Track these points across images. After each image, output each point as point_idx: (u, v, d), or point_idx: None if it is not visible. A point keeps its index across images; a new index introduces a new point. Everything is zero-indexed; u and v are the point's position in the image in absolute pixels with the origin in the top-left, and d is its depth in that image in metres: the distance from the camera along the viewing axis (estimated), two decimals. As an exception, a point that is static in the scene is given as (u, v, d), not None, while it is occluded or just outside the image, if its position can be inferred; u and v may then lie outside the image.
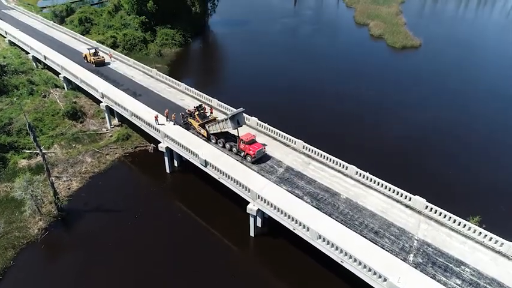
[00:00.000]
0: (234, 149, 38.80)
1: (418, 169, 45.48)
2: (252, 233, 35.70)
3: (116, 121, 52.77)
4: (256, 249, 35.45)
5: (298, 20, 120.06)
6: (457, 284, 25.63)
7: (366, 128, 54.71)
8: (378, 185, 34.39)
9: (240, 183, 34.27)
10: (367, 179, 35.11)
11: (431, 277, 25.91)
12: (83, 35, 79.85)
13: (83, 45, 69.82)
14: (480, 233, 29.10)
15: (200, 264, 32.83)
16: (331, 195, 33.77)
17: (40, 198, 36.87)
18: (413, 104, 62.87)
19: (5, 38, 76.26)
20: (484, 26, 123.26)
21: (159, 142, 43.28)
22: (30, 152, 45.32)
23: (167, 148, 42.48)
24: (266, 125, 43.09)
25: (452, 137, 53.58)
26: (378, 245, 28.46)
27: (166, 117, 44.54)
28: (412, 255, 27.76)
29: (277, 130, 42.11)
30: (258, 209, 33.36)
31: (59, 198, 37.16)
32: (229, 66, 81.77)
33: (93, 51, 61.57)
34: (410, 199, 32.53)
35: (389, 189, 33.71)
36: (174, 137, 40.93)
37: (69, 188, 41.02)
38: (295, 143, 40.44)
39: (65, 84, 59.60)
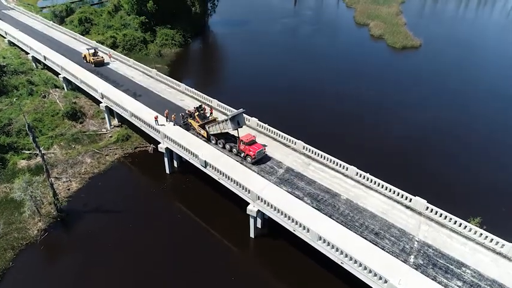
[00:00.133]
0: (234, 149, 38.71)
1: (418, 169, 45.41)
2: (252, 234, 35.62)
3: (115, 122, 52.68)
4: (256, 251, 35.35)
5: (298, 20, 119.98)
6: (458, 285, 25.54)
7: (366, 128, 54.64)
8: (378, 186, 34.30)
9: (240, 184, 34.18)
10: (367, 180, 35.03)
11: (432, 279, 25.82)
12: (82, 35, 79.75)
13: (82, 45, 69.72)
14: (481, 234, 29.00)
15: (200, 265, 32.74)
16: (332, 196, 33.68)
17: (39, 199, 36.80)
18: (413, 104, 62.79)
19: (5, 38, 76.16)
20: (484, 26, 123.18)
21: (159, 143, 43.19)
22: (29, 153, 45.23)
23: (167, 149, 42.39)
24: (266, 125, 42.99)
25: (453, 137, 53.52)
26: (378, 246, 28.38)
27: (166, 118, 44.45)
28: (412, 256, 27.67)
29: (277, 131, 42.02)
30: (258, 210, 33.26)
31: (58, 199, 37.06)
32: (229, 67, 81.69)
33: (92, 51, 61.50)
34: (410, 200, 32.44)
35: (390, 190, 33.61)
36: (174, 137, 40.83)
37: (68, 189, 40.93)
38: (295, 144, 40.34)
39: (64, 85, 59.51)
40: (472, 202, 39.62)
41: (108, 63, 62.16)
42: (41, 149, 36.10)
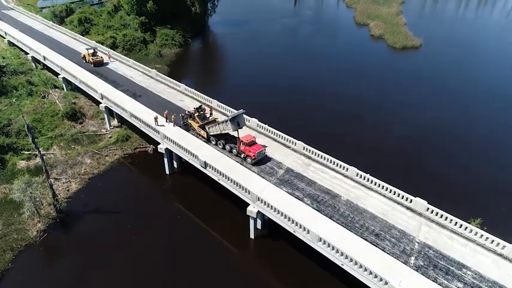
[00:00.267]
0: (234, 150, 38.61)
1: (419, 170, 45.33)
2: (252, 235, 35.52)
3: (115, 122, 52.58)
4: (256, 251, 35.26)
5: (298, 20, 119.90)
6: (458, 287, 25.45)
7: (366, 128, 54.57)
8: (379, 186, 34.21)
9: (240, 185, 34.08)
10: (367, 181, 34.93)
11: (432, 280, 25.73)
12: (82, 35, 79.68)
13: (82, 45, 69.60)
14: (482, 235, 28.91)
15: (200, 265, 32.66)
16: (332, 197, 33.59)
17: (39, 200, 36.69)
18: (413, 104, 62.72)
19: (5, 38, 76.05)
20: (484, 26, 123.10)
21: (159, 143, 43.09)
22: (29, 153, 45.14)
23: (167, 149, 42.30)
24: (266, 126, 42.89)
25: (453, 137, 53.45)
26: (378, 247, 28.28)
27: (166, 118, 44.36)
28: (413, 258, 27.58)
29: (277, 131, 41.92)
30: (258, 211, 33.16)
31: (57, 200, 36.97)
32: (229, 67, 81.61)
33: (91, 51, 61.45)
34: (411, 201, 32.33)
35: (390, 191, 33.51)
36: (173, 138, 40.74)
37: (68, 190, 40.83)
38: (295, 144, 40.25)
39: (64, 85, 59.43)
40: (472, 203, 39.55)
41: (107, 63, 62.07)
42: (40, 149, 36.03)
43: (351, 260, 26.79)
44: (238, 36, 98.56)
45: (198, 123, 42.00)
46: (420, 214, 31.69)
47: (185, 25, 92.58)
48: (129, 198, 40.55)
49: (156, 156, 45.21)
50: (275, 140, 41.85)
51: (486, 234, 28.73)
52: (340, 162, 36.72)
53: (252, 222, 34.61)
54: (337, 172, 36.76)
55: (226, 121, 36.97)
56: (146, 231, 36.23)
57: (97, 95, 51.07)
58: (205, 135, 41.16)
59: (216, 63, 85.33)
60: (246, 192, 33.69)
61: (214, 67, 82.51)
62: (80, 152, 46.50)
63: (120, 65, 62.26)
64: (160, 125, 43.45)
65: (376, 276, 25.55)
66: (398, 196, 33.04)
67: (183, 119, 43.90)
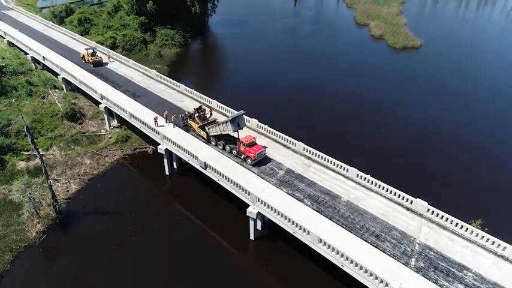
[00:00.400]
0: (234, 151, 38.51)
1: (419, 170, 45.23)
2: (252, 236, 35.43)
3: (115, 122, 52.47)
4: (256, 253, 35.18)
5: (298, 20, 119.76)
6: (459, 288, 25.38)
7: (366, 128, 54.47)
8: (379, 187, 34.11)
9: (239, 186, 33.99)
10: (368, 182, 34.83)
11: (433, 282, 25.62)
12: (82, 35, 79.56)
13: (82, 46, 69.45)
14: (482, 236, 28.80)
15: (200, 266, 32.56)
16: (332, 198, 33.49)
17: (38, 200, 36.64)
18: (413, 104, 62.61)
19: (4, 38, 75.92)
20: (484, 26, 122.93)
21: (159, 144, 42.99)
22: (28, 154, 45.03)
23: (166, 150, 42.19)
24: (266, 126, 42.78)
25: (453, 137, 53.35)
26: (379, 249, 28.18)
27: (166, 119, 44.25)
28: (413, 259, 27.48)
29: (277, 132, 41.81)
30: (258, 212, 33.07)
31: (57, 200, 36.86)
32: (229, 67, 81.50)
33: (91, 51, 61.36)
34: (411, 202, 32.23)
35: (391, 191, 33.41)
36: (173, 138, 40.64)
37: (67, 191, 40.73)
38: (295, 145, 40.14)
39: (63, 85, 59.33)
40: (473, 203, 39.47)
41: (106, 63, 61.97)
42: (39, 150, 35.94)
43: (351, 262, 26.69)
44: (238, 36, 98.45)
45: (198, 123, 41.90)
46: (421, 215, 31.59)
47: (185, 25, 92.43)
48: (128, 199, 40.45)
49: (155, 157, 45.12)
50: (275, 140, 41.75)
51: (487, 236, 28.62)
52: (340, 163, 36.61)
53: (252, 223, 34.52)
54: (338, 173, 36.66)
55: (226, 122, 36.87)
56: (146, 232, 36.14)
57: (97, 96, 50.97)
58: (205, 136, 41.06)
59: (216, 64, 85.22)
60: (246, 193, 33.60)
61: (214, 67, 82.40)
62: (80, 153, 46.40)
63: (120, 65, 62.16)
64: (160, 126, 43.35)
65: (376, 278, 25.45)
66: (399, 197, 32.94)
67: (183, 120, 43.79)
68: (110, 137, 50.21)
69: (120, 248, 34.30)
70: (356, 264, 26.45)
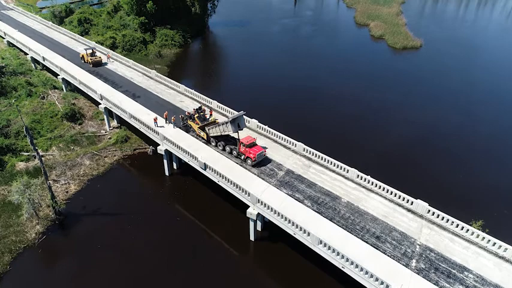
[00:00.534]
0: (234, 152, 38.39)
1: (420, 171, 45.13)
2: (252, 237, 35.32)
3: (114, 123, 52.37)
4: (256, 254, 35.06)
5: (298, 20, 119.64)
6: (460, 290, 25.27)
7: (367, 128, 54.39)
8: (380, 188, 33.99)
9: (239, 187, 33.87)
10: (368, 183, 34.71)
11: (434, 283, 25.50)
12: (82, 35, 79.51)
13: (82, 46, 69.34)
14: (483, 238, 28.67)
15: (199, 267, 32.45)
16: (332, 199, 33.37)
17: (37, 201, 36.53)
18: (414, 105, 62.52)
19: (4, 38, 75.89)
20: (484, 27, 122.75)
21: (158, 145, 42.89)
22: (28, 155, 44.92)
23: (166, 151, 42.10)
24: (266, 127, 42.66)
25: (454, 137, 53.23)
26: (379, 250, 28.06)
27: (166, 120, 44.14)
28: (414, 260, 27.36)
29: (277, 132, 41.70)
30: (258, 213, 32.97)
31: (56, 201, 36.75)
32: (229, 67, 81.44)
33: (90, 51, 61.27)
34: (412, 203, 32.09)
35: (391, 192, 33.29)
36: (173, 139, 40.51)
37: (67, 191, 40.62)
38: (295, 146, 40.03)
39: (63, 86, 59.26)
40: (474, 205, 39.37)
41: (106, 63, 61.87)
42: (38, 151, 35.83)
43: (352, 263, 26.57)
44: (238, 37, 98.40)
45: (198, 124, 41.78)
46: (421, 216, 31.46)
47: (185, 25, 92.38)
48: (128, 199, 40.34)
49: (155, 158, 45.06)
50: (275, 141, 41.64)
51: (488, 237, 28.48)
52: (340, 164, 36.49)
53: (252, 224, 34.42)
54: (338, 174, 36.53)
55: (226, 123, 36.74)
56: (145, 233, 36.02)
57: (96, 96, 50.87)
58: (205, 137, 40.94)
59: (216, 64, 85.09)
60: (245, 194, 33.48)
61: (214, 68, 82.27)
62: (79, 153, 46.28)
63: (120, 65, 62.06)
64: (160, 126, 43.23)
65: (377, 280, 25.32)
66: (399, 198, 32.82)
67: (182, 120, 43.67)
68: (110, 138, 50.10)
69: (119, 249, 34.19)
70: (356, 266, 26.33)
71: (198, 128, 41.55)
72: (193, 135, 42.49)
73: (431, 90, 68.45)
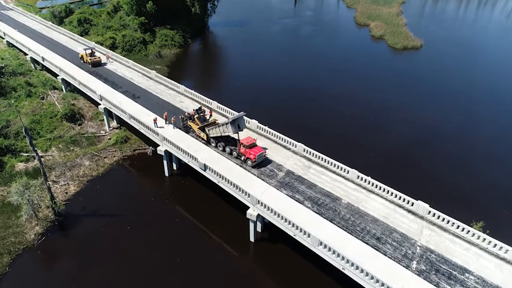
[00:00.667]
0: (234, 152, 38.29)
1: (420, 172, 45.01)
2: (252, 238, 35.21)
3: (114, 123, 52.27)
4: (256, 255, 34.94)
5: (298, 20, 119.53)
6: (461, 292, 25.17)
7: (367, 129, 54.28)
8: (380, 189, 33.88)
9: (239, 188, 33.77)
10: (368, 183, 34.60)
11: (434, 285, 25.40)
12: (81, 36, 79.40)
13: (81, 46, 69.18)
14: (484, 239, 28.56)
15: (199, 268, 32.35)
16: (332, 200, 33.26)
17: (37, 202, 36.47)
18: (414, 105, 62.37)
19: (3, 39, 75.78)
20: (485, 27, 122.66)
21: (158, 145, 42.78)
22: (27, 155, 44.81)
23: (166, 151, 42.00)
24: (266, 127, 42.55)
25: (454, 138, 53.13)
26: (380, 251, 27.97)
27: (165, 120, 44.03)
28: (415, 262, 27.26)
29: (277, 133, 41.59)
30: (258, 214, 32.85)
31: (56, 202, 36.62)
32: (229, 68, 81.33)
33: (89, 51, 61.17)
34: (412, 204, 31.98)
35: (392, 193, 33.18)
36: (173, 140, 40.41)
37: (66, 192, 40.51)
38: (295, 146, 39.92)
39: (63, 86, 59.16)
40: (474, 205, 39.28)
41: (105, 64, 61.77)
42: (37, 152, 35.72)
43: (352, 264, 26.47)
44: (238, 37, 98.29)
45: (198, 125, 41.67)
46: (422, 217, 31.36)
47: (185, 25, 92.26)
48: (128, 200, 40.23)
49: (155, 158, 44.96)
50: (275, 141, 41.53)
51: (489, 238, 28.39)
52: (341, 165, 36.38)
53: (252, 225, 34.32)
54: (338, 175, 36.43)
55: (226, 123, 36.63)
56: (145, 234, 35.92)
57: (96, 96, 50.75)
58: (205, 138, 40.84)
59: (216, 64, 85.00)
60: (245, 195, 33.38)
61: (214, 68, 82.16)
62: (79, 154, 46.17)
63: (120, 66, 61.95)
64: (160, 127, 43.12)
65: (377, 281, 25.23)
66: (400, 199, 32.71)
67: (182, 121, 43.56)
68: (110, 138, 49.99)
69: (119, 250, 34.09)
70: (357, 267, 26.23)
71: (198, 128, 41.44)
72: (193, 136, 42.39)
73: (431, 90, 68.35)
